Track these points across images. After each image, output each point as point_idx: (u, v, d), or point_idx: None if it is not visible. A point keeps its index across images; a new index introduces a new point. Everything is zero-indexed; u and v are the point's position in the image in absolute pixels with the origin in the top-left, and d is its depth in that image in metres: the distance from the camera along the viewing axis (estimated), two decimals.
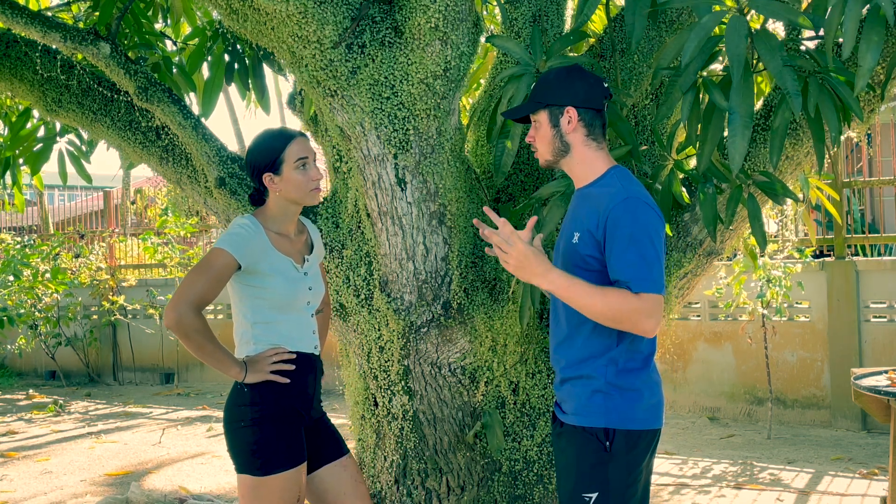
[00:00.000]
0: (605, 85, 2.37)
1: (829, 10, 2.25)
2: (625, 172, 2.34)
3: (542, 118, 2.35)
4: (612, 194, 2.25)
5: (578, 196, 2.39)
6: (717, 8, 2.40)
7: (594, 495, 2.25)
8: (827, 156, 2.58)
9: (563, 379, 2.37)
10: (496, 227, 2.26)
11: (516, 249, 2.22)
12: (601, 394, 2.27)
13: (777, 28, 3.39)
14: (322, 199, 3.43)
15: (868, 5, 2.25)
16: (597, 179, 2.33)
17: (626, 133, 2.78)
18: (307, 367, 2.64)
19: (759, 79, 3.40)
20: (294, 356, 2.60)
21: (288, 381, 2.57)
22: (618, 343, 2.28)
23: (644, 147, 3.21)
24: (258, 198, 2.67)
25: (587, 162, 2.34)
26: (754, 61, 2.48)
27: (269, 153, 2.59)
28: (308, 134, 3.88)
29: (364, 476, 2.75)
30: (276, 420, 2.55)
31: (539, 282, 2.23)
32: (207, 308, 10.57)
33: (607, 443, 2.25)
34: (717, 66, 2.72)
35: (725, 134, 2.49)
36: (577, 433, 2.30)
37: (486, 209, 2.31)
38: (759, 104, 3.31)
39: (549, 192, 2.81)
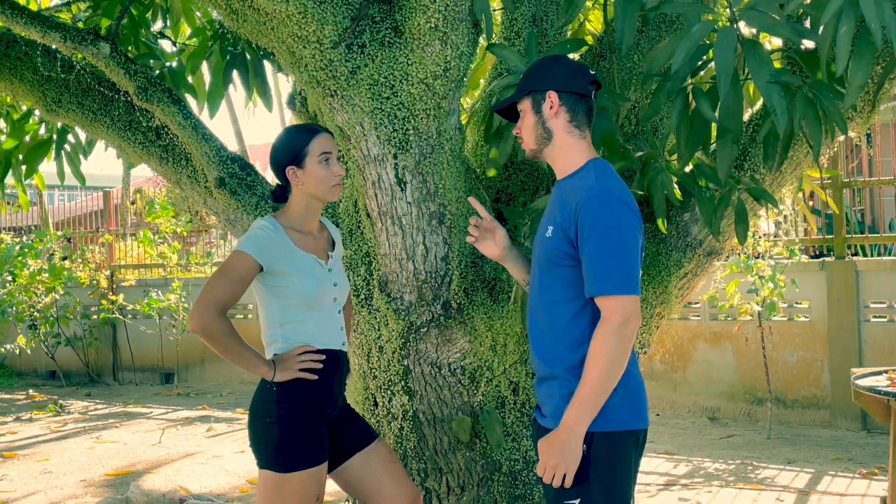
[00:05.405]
0: (593, 73, 2.30)
1: (823, 26, 2.24)
2: (603, 165, 2.27)
3: (525, 106, 2.31)
4: (585, 188, 2.18)
5: (557, 188, 2.34)
6: (708, 16, 2.39)
7: (576, 502, 2.17)
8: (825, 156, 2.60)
9: (541, 378, 2.32)
10: None
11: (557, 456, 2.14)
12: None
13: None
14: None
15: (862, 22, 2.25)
16: (575, 172, 2.27)
17: (612, 144, 2.75)
18: (333, 365, 2.66)
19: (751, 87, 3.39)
20: (323, 356, 2.61)
21: (316, 377, 2.59)
22: (589, 340, 2.18)
23: (629, 145, 3.21)
24: (281, 194, 2.68)
25: (567, 152, 2.28)
26: (743, 71, 2.47)
27: (294, 147, 2.61)
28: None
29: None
30: (301, 418, 2.57)
31: (572, 437, 2.13)
32: (234, 309, 10.44)
33: (584, 447, 2.15)
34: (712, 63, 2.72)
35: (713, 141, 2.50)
36: None
37: None
38: (759, 104, 3.31)
39: (545, 204, 2.78)
